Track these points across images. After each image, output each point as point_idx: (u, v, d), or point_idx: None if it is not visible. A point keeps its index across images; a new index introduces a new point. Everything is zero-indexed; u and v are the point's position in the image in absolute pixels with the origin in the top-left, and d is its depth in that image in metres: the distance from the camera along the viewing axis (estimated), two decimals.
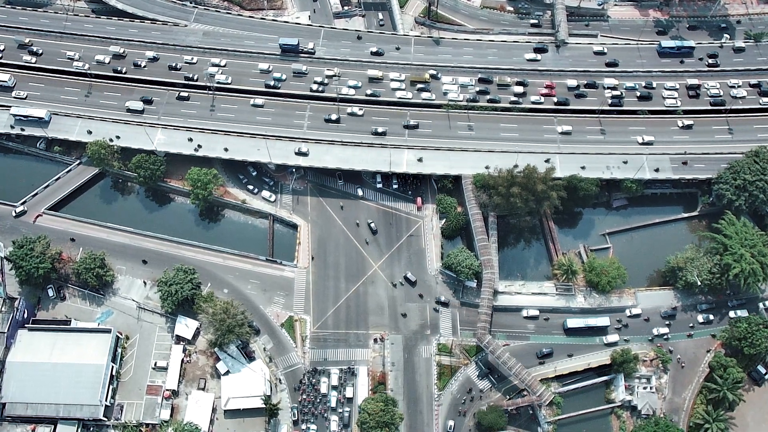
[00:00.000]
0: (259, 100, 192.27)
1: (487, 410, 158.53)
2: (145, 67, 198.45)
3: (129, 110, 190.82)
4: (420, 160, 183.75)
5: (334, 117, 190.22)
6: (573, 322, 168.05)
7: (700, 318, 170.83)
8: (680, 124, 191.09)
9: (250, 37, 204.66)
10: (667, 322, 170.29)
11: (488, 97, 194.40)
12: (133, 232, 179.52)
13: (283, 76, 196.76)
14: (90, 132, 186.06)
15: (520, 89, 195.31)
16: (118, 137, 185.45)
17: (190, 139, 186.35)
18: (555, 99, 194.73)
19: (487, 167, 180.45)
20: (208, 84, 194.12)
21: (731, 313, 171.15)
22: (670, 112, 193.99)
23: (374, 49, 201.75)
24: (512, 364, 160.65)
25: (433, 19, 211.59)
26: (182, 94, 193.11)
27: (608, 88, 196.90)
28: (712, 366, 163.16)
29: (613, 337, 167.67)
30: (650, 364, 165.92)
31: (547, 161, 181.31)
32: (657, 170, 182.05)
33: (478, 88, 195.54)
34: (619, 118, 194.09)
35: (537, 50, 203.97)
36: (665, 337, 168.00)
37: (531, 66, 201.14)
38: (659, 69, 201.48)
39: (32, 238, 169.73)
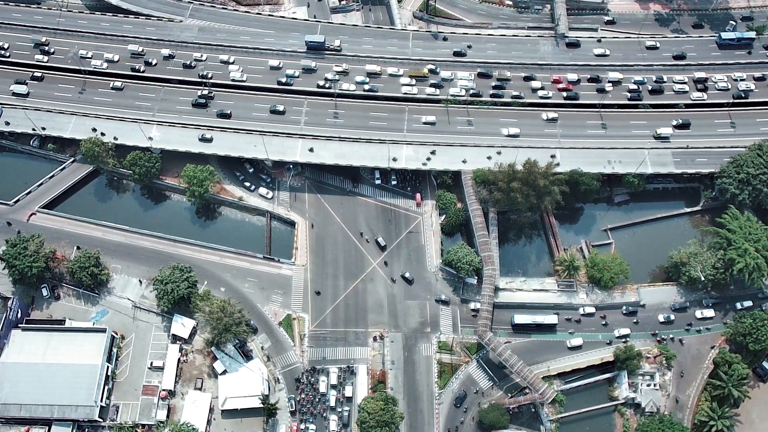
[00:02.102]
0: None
1: (489, 408, 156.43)
2: (156, 64, 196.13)
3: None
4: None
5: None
6: (520, 318, 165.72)
7: (699, 314, 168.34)
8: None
9: (246, 32, 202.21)
10: (634, 320, 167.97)
11: (508, 92, 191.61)
12: (129, 231, 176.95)
13: (296, 73, 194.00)
14: (96, 131, 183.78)
15: (538, 84, 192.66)
16: (115, 138, 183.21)
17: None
18: (565, 94, 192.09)
19: (489, 157, 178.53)
20: (205, 80, 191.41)
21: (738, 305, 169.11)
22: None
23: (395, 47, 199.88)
24: (514, 361, 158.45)
25: (432, 14, 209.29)
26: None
27: (611, 82, 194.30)
28: (717, 362, 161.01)
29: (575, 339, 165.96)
30: (654, 361, 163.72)
31: (552, 157, 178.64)
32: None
33: (493, 84, 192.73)
34: (624, 112, 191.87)
35: (569, 45, 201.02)
36: (624, 340, 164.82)
37: (549, 60, 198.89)
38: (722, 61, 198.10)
39: (26, 237, 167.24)
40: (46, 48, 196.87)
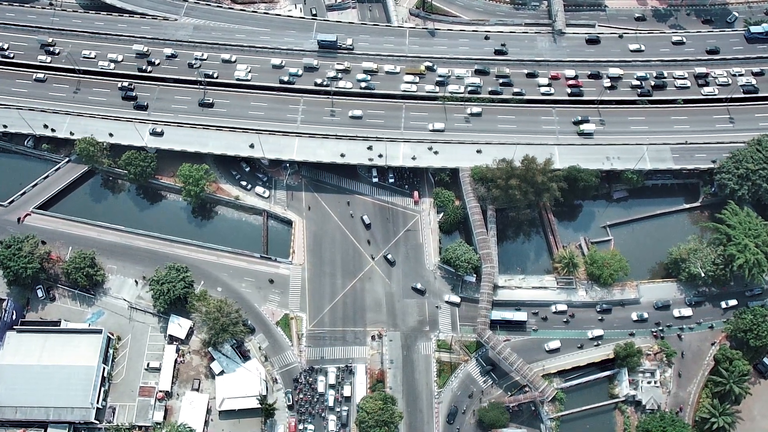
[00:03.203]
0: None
1: (489, 407, 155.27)
2: (159, 64, 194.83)
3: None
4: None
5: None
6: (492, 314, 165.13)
7: (677, 312, 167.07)
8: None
9: (241, 30, 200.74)
10: (600, 318, 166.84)
11: (514, 90, 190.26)
12: (124, 231, 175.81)
13: (299, 72, 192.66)
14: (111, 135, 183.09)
15: (545, 80, 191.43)
16: (110, 134, 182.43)
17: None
18: (569, 90, 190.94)
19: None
20: (198, 78, 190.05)
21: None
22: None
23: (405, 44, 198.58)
24: (513, 359, 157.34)
25: (428, 11, 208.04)
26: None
27: (610, 77, 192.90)
28: (718, 359, 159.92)
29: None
30: (654, 358, 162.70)
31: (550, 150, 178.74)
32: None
33: (501, 81, 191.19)
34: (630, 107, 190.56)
35: (589, 41, 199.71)
36: (597, 343, 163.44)
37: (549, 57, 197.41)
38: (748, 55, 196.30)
39: (20, 238, 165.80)
40: (52, 49, 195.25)
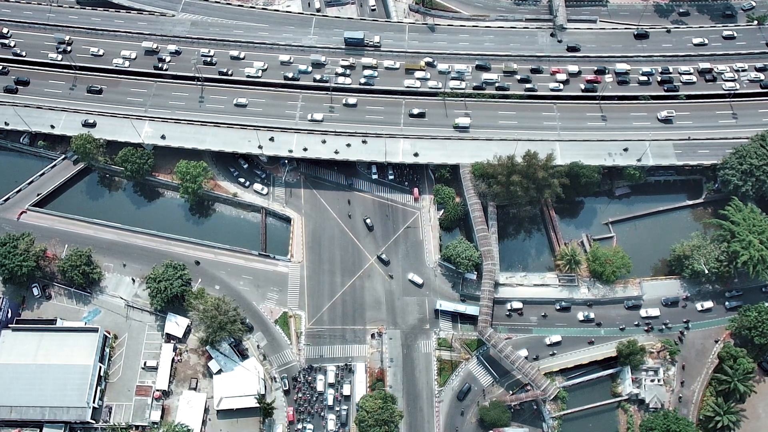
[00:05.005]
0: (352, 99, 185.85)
1: (490, 406, 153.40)
2: (170, 61, 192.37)
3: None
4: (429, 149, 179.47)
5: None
6: (444, 305, 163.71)
7: (644, 312, 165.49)
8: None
9: (239, 26, 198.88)
10: (554, 315, 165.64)
11: (528, 85, 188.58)
12: (121, 228, 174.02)
13: (309, 68, 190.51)
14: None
15: (563, 77, 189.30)
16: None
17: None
18: (582, 86, 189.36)
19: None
20: (197, 75, 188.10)
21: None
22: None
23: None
24: (515, 357, 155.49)
25: (428, 6, 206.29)
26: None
27: (618, 73, 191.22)
28: (722, 357, 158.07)
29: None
30: (657, 356, 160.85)
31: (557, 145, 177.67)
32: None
33: (519, 76, 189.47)
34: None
35: (638, 36, 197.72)
36: (552, 352, 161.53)
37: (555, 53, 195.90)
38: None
39: (15, 236, 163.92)
40: (68, 48, 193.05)
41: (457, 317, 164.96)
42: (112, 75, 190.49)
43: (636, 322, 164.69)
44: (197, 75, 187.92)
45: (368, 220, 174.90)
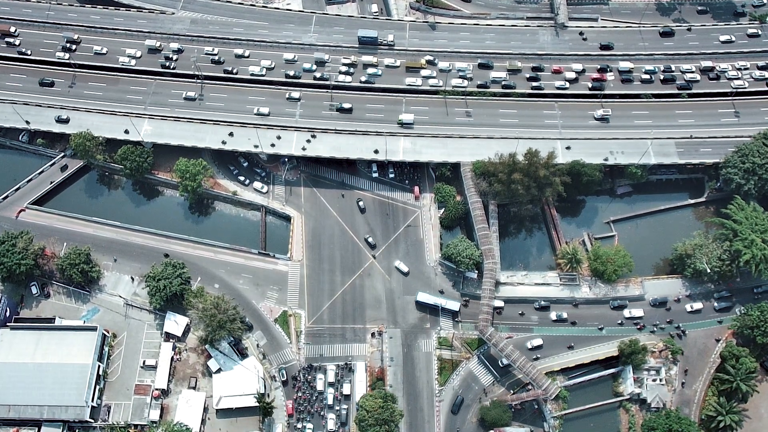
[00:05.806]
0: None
1: (491, 405, 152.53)
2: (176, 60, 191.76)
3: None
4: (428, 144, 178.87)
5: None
6: (423, 297, 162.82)
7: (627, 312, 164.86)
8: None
9: (239, 24, 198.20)
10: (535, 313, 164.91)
11: (536, 84, 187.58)
12: (120, 227, 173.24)
13: (313, 67, 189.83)
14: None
15: (572, 75, 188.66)
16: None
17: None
18: (590, 84, 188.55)
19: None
20: (197, 72, 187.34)
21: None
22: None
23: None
24: (516, 357, 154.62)
25: (429, 4, 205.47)
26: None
27: (622, 71, 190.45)
28: (724, 356, 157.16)
29: None
30: (659, 355, 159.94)
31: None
32: None
33: (528, 75, 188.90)
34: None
35: (663, 34, 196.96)
36: (536, 356, 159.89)
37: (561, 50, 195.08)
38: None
39: (14, 234, 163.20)
40: (73, 47, 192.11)
41: (450, 314, 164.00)
42: (118, 74, 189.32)
43: (620, 321, 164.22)
44: (197, 73, 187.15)
45: (361, 203, 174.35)
